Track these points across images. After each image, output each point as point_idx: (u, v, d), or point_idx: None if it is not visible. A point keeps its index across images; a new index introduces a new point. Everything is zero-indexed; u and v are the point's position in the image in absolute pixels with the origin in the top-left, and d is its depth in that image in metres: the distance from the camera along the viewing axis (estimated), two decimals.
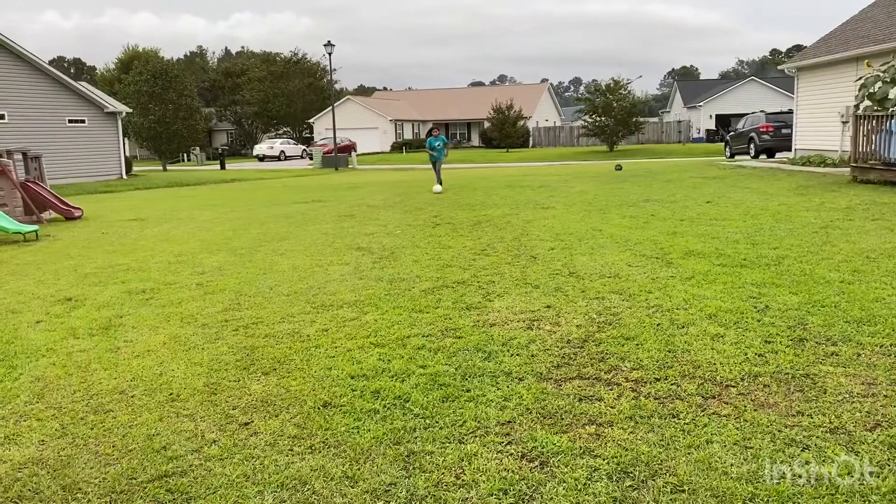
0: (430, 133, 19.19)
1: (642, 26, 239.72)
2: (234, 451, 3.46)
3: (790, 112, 25.47)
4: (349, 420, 3.73)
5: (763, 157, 26.04)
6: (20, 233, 11.40)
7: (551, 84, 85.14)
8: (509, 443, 3.40)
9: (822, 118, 21.47)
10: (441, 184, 17.60)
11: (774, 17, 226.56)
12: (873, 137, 14.53)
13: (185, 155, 53.42)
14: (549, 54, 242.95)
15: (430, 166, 19.17)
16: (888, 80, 16.69)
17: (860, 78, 17.99)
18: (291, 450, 3.45)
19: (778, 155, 25.66)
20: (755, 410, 3.61)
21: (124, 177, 31.23)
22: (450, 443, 3.43)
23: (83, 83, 32.59)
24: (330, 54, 38.69)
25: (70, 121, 29.13)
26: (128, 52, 65.99)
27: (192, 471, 3.29)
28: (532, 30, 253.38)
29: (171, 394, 4.24)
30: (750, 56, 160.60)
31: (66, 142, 28.65)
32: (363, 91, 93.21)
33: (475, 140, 67.33)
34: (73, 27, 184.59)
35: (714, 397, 3.81)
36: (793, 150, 23.78)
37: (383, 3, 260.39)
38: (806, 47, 26.44)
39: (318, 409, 3.90)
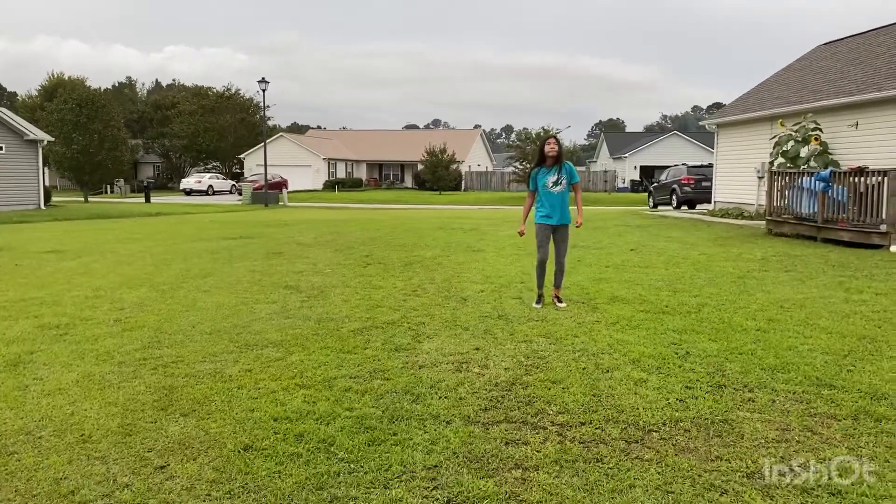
0: (540, 155, 7.65)
1: (573, 79, 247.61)
2: (147, 495, 3.31)
3: (710, 166, 26.64)
4: (271, 464, 3.62)
5: (685, 207, 27.06)
6: None
7: (484, 130, 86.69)
8: (435, 487, 3.36)
9: (740, 173, 22.53)
10: (560, 298, 7.73)
11: (696, 75, 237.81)
12: (786, 193, 15.32)
13: (108, 187, 51.85)
14: (483, 101, 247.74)
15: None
16: (800, 139, 17.73)
17: (775, 136, 19.05)
18: (209, 495, 3.32)
19: (699, 206, 26.72)
20: (676, 455, 3.69)
21: (42, 207, 30.03)
22: (375, 488, 3.37)
23: (2, 109, 31.37)
24: (264, 91, 38.44)
25: None
26: (52, 79, 64.15)
27: None
28: (468, 76, 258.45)
29: (82, 435, 4.04)
30: (673, 111, 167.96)
31: None
32: (297, 129, 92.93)
33: (408, 181, 67.76)
34: None
35: (637, 442, 3.87)
36: (713, 202, 24.82)
37: (323, 43, 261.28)
38: (725, 105, 27.80)
39: (239, 452, 3.78)
